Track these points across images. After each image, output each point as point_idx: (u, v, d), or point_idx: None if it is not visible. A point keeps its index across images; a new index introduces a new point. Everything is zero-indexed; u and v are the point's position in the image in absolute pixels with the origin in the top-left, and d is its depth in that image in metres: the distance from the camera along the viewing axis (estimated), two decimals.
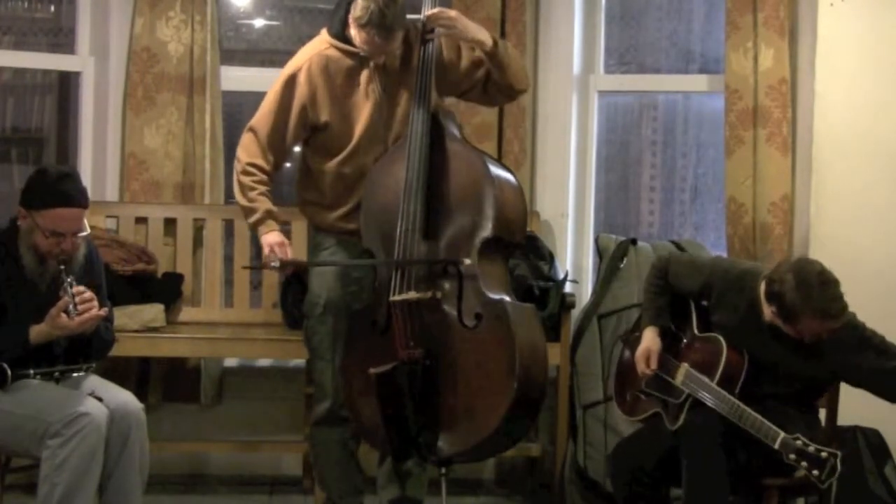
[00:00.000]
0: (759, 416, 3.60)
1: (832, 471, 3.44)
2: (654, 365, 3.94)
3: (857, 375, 3.77)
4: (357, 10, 3.87)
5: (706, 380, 3.78)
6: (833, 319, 3.64)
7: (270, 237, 4.04)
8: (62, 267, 3.64)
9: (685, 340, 3.95)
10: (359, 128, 4.03)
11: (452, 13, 3.98)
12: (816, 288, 3.62)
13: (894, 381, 3.70)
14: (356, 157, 4.06)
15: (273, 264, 4.03)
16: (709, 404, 3.73)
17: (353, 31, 3.92)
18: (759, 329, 3.79)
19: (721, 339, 3.82)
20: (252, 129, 4.09)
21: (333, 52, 4.03)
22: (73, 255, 3.69)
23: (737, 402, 3.68)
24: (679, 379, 3.86)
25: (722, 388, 3.73)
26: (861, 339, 3.75)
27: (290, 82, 4.04)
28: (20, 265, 3.69)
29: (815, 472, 3.44)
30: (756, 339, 3.79)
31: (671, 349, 3.97)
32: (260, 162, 4.07)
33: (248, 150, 4.08)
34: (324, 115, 4.04)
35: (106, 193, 5.17)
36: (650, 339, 3.99)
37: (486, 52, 3.99)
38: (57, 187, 3.64)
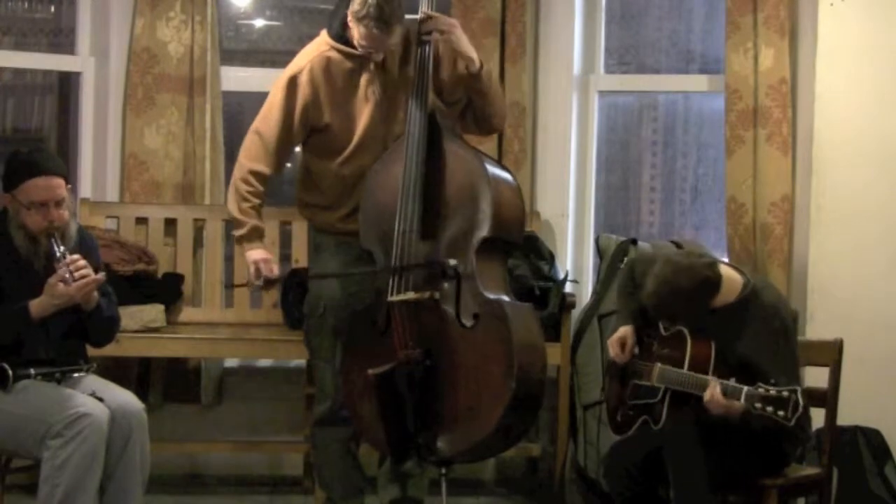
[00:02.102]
0: (726, 381, 3.63)
1: (795, 406, 3.46)
2: (628, 350, 3.98)
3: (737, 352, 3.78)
4: (355, 4, 3.87)
5: (677, 370, 3.81)
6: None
7: (255, 254, 4.04)
8: (53, 240, 3.65)
9: (655, 344, 3.97)
10: (359, 129, 4.03)
11: (452, 20, 3.98)
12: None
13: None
14: (356, 159, 4.06)
15: (257, 283, 4.04)
16: (682, 389, 3.76)
17: (352, 26, 3.91)
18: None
19: (685, 330, 3.85)
20: (257, 133, 4.07)
21: (334, 54, 4.03)
22: (63, 228, 3.70)
23: (707, 377, 3.71)
24: (654, 378, 3.88)
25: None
26: (770, 331, 3.76)
27: (292, 84, 4.03)
28: (13, 247, 3.71)
29: (781, 413, 3.47)
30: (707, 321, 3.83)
31: (643, 355, 3.99)
32: (262, 168, 4.05)
33: (252, 154, 4.07)
34: (326, 117, 4.04)
35: (106, 194, 5.17)
36: (625, 329, 4.03)
37: (471, 73, 3.99)
38: (29, 160, 3.69)
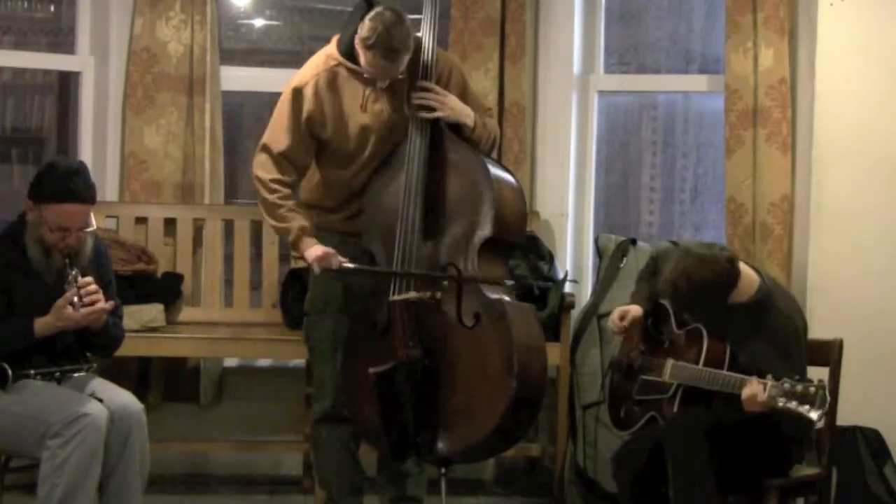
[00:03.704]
0: (758, 378, 3.61)
1: (822, 401, 3.45)
2: (628, 320, 3.98)
3: (747, 356, 3.76)
4: (363, 30, 3.82)
5: (692, 365, 3.81)
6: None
7: (314, 251, 3.94)
8: (67, 260, 3.65)
9: (667, 341, 3.97)
10: (369, 145, 4.01)
11: (441, 96, 3.93)
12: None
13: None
14: (366, 172, 4.05)
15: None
16: (697, 385, 3.76)
17: (360, 52, 3.87)
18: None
19: (701, 327, 3.85)
20: (265, 148, 4.03)
21: (341, 70, 4.00)
22: (78, 250, 3.70)
23: (725, 372, 3.71)
24: (666, 374, 3.88)
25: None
26: (782, 333, 3.76)
27: (297, 96, 3.99)
28: (26, 257, 3.70)
29: (806, 407, 3.45)
30: (721, 318, 3.82)
31: (654, 352, 3.98)
32: (280, 176, 4.00)
33: (266, 168, 4.01)
34: (328, 131, 4.01)
35: (106, 193, 5.15)
36: (632, 306, 4.04)
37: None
38: (65, 182, 3.64)
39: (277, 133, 4.02)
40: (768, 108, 4.97)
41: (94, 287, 3.65)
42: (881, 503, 4.61)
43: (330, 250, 3.95)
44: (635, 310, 4.03)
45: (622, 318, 4.02)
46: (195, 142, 5.13)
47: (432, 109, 3.92)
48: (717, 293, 3.70)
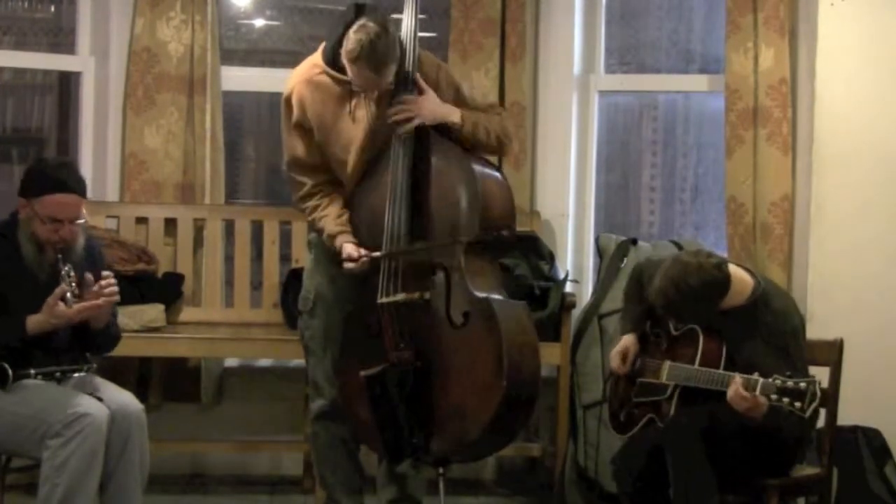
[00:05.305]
0: (741, 374, 3.62)
1: (813, 397, 3.46)
2: (629, 362, 3.98)
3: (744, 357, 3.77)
4: (349, 43, 3.81)
5: (688, 365, 3.81)
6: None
7: (343, 247, 3.97)
8: (59, 255, 3.65)
9: (664, 343, 3.97)
10: (353, 152, 4.00)
11: (415, 104, 3.91)
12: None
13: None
14: (355, 177, 4.05)
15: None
16: (693, 385, 3.76)
17: (346, 65, 3.86)
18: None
19: (696, 328, 3.85)
20: (286, 165, 4.10)
21: (324, 78, 3.99)
22: (71, 244, 3.70)
23: (719, 371, 3.71)
24: (664, 376, 3.88)
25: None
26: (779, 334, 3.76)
27: (287, 104, 4.04)
28: (20, 255, 3.70)
29: (798, 404, 3.46)
30: (717, 322, 3.82)
31: (651, 353, 3.99)
32: (307, 180, 4.04)
33: (295, 186, 4.09)
34: (315, 136, 4.02)
35: (106, 193, 5.17)
36: (628, 339, 4.03)
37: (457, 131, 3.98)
38: (54, 174, 3.66)
39: (287, 147, 4.08)
40: (768, 108, 4.97)
41: (112, 280, 3.66)
42: (882, 503, 4.61)
43: (354, 249, 3.93)
44: (631, 345, 4.02)
45: (624, 359, 4.01)
46: (195, 142, 5.13)
47: (409, 120, 3.91)
48: (707, 300, 3.70)
